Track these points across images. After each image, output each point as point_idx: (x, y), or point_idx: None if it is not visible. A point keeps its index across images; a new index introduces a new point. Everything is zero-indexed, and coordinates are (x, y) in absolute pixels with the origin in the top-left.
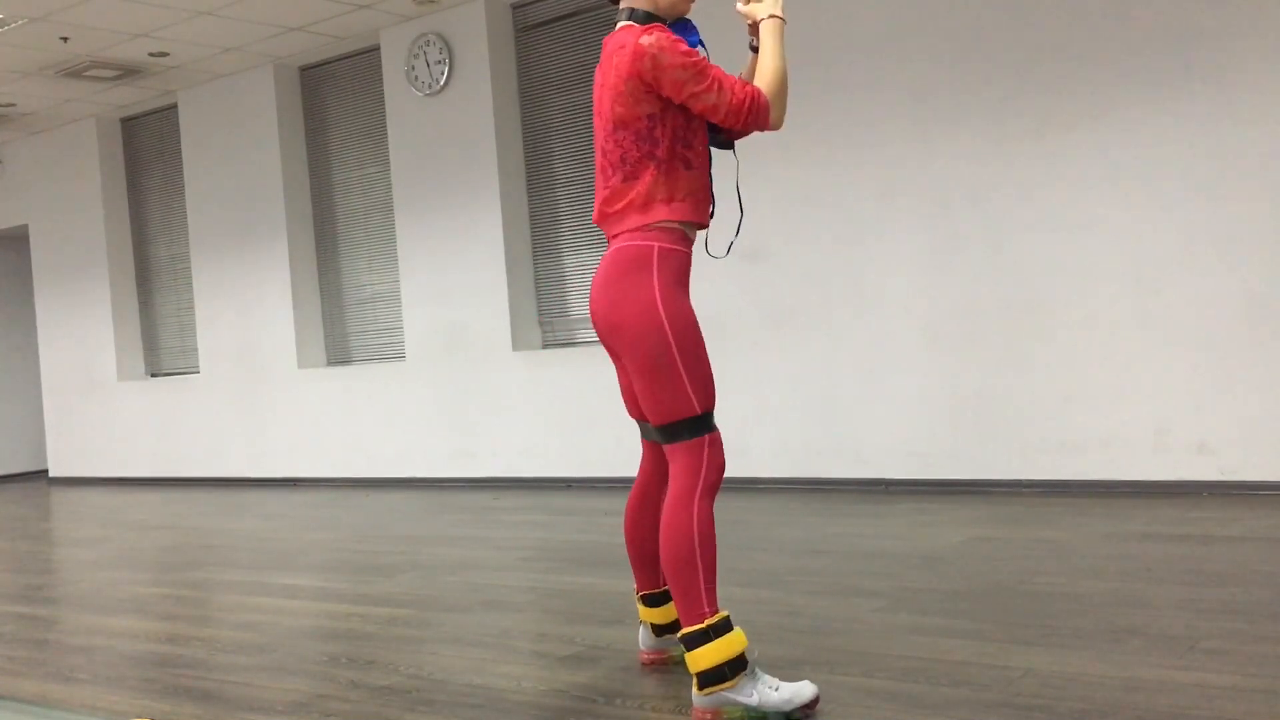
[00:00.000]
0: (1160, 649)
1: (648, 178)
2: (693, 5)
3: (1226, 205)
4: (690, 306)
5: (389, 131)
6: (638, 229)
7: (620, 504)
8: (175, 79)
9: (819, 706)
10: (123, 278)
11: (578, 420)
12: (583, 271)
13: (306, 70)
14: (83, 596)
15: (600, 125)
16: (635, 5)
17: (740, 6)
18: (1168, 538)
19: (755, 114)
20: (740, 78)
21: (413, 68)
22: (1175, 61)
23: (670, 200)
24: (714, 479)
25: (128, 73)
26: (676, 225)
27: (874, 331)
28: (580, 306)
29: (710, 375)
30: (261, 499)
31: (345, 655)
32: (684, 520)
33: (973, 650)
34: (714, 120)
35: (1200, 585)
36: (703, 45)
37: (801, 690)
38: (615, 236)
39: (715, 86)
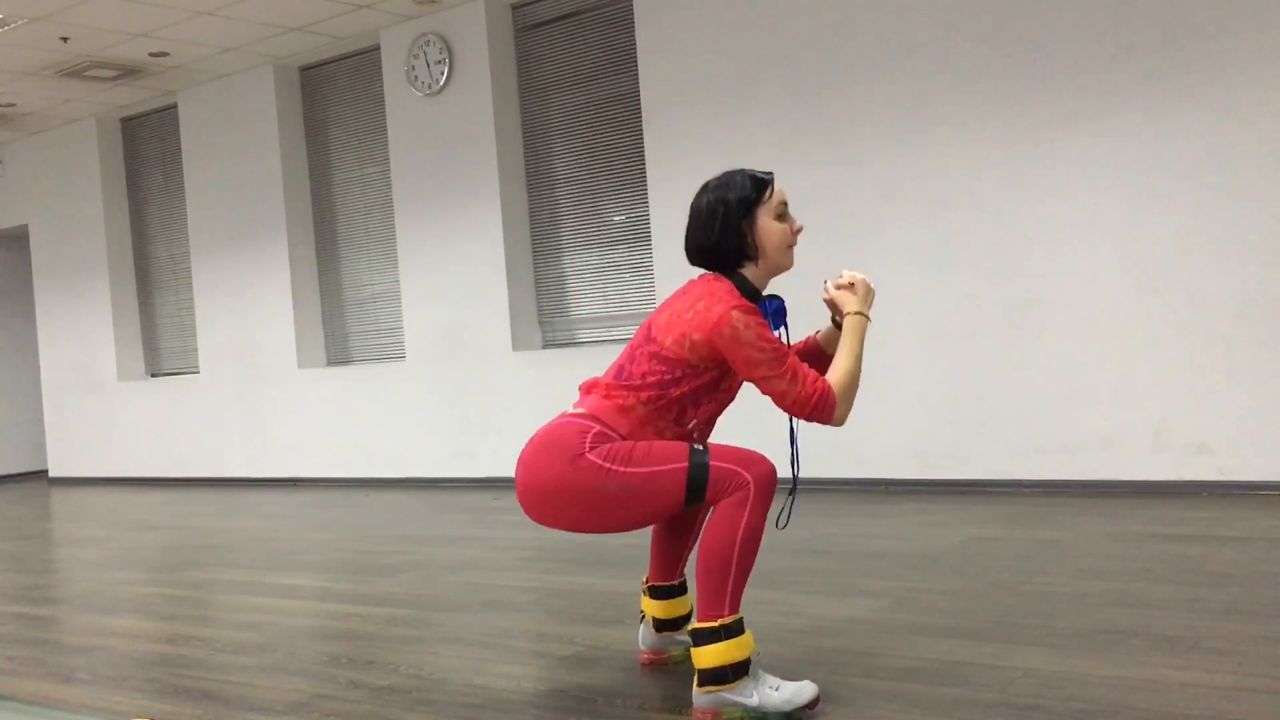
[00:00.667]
0: (1160, 649)
1: (646, 399)
2: (784, 271)
3: (1226, 205)
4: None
5: (389, 131)
6: (593, 413)
7: None
8: (175, 79)
9: (819, 706)
10: (123, 278)
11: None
12: (583, 271)
13: (306, 70)
14: (83, 596)
15: (646, 332)
16: (744, 274)
17: (831, 291)
18: (1168, 538)
19: (822, 409)
20: (806, 355)
21: (413, 68)
22: (1175, 61)
23: (643, 426)
24: (765, 484)
25: (128, 73)
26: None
27: (874, 331)
28: (580, 306)
29: (663, 445)
30: (261, 499)
31: (345, 655)
32: (732, 526)
33: (973, 650)
34: (779, 405)
35: (1200, 585)
36: (785, 326)
37: (802, 690)
38: (578, 402)
39: (789, 376)
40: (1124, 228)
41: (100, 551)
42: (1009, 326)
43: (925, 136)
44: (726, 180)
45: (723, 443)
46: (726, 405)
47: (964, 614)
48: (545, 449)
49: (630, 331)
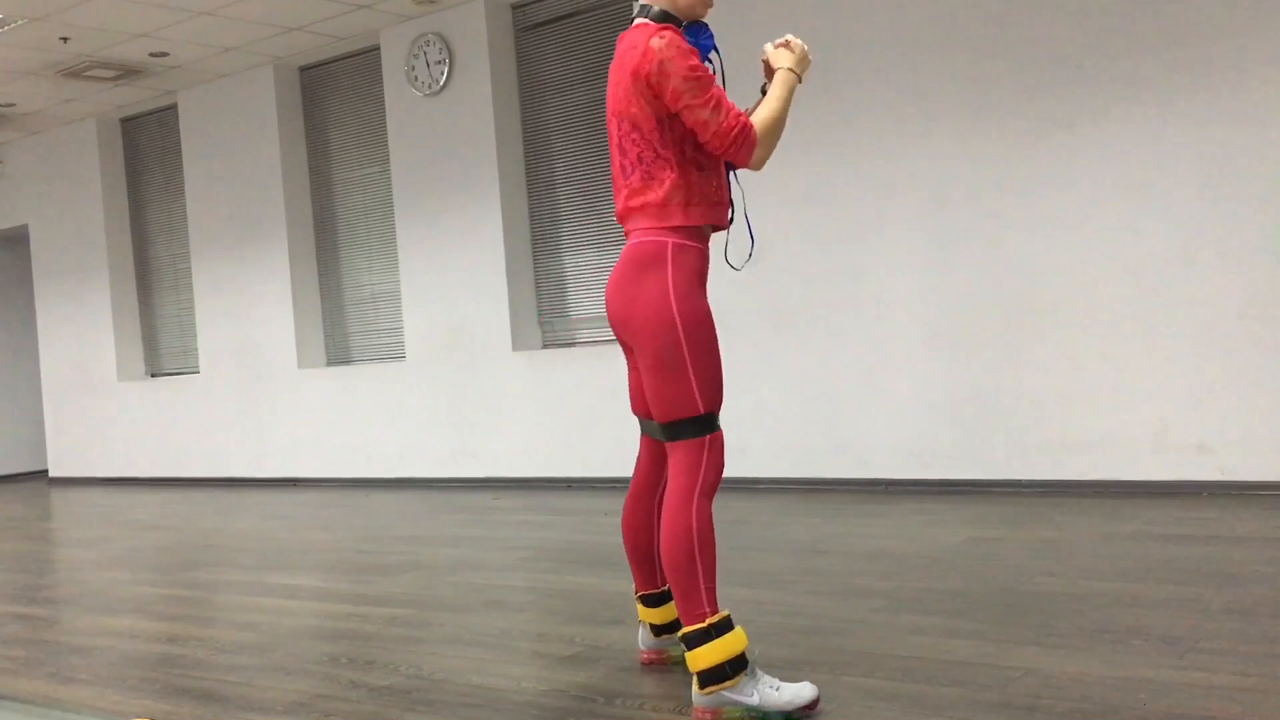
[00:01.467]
0: (1160, 649)
1: (666, 182)
2: (709, 9)
3: (1226, 205)
4: (706, 305)
5: (389, 131)
6: (653, 228)
7: (619, 504)
8: (175, 79)
9: (819, 707)
10: (123, 278)
11: (578, 420)
12: (583, 271)
13: (306, 70)
14: (83, 596)
15: (614, 123)
16: (653, 2)
17: (768, 49)
18: (1168, 538)
19: (741, 144)
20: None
21: (413, 68)
22: (1175, 61)
23: (687, 205)
24: (712, 479)
25: (128, 73)
26: (692, 228)
27: (874, 331)
28: (580, 306)
29: (719, 377)
30: (261, 499)
31: (345, 655)
32: (684, 521)
33: (973, 650)
34: (701, 138)
35: (1200, 585)
36: (716, 50)
37: (802, 691)
38: (631, 233)
39: (712, 104)
40: (1124, 228)
41: (100, 551)
42: (1009, 326)
43: (925, 136)
44: None
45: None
46: None
47: (964, 614)
48: (642, 273)
49: None
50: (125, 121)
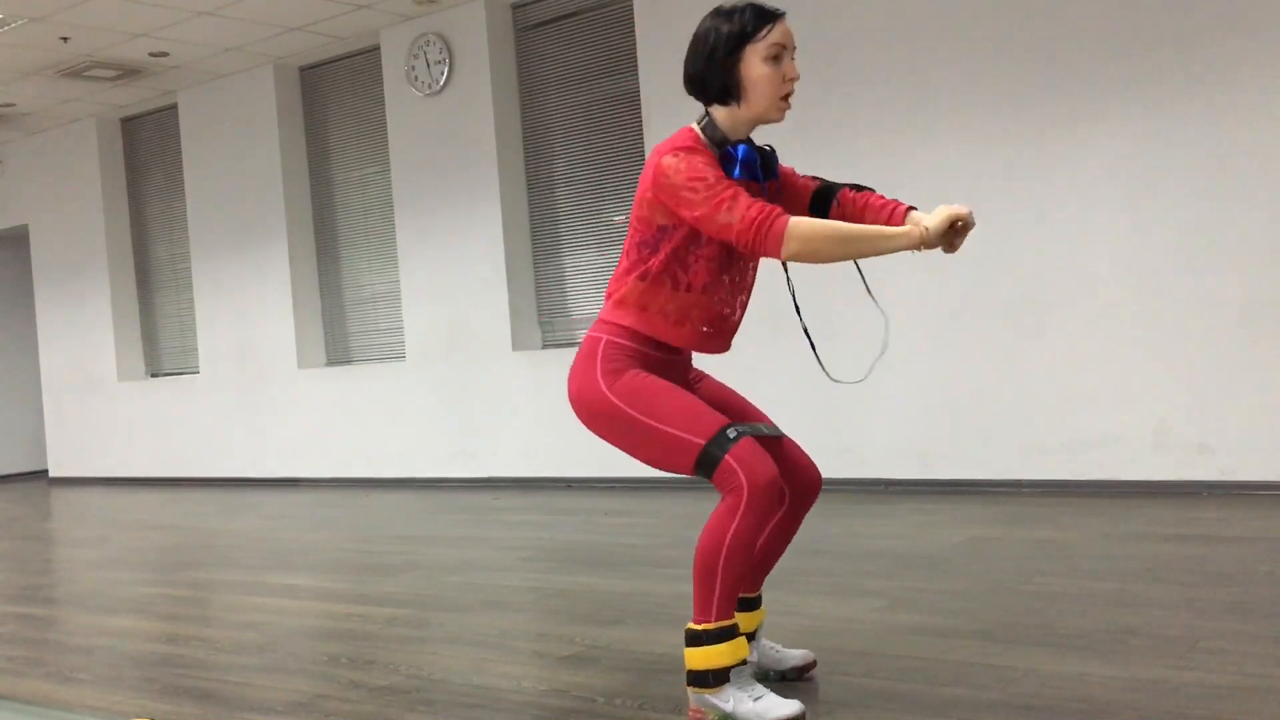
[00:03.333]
0: (1160, 649)
1: (633, 279)
2: (771, 122)
3: (1226, 205)
4: (636, 372)
5: (389, 131)
6: (600, 320)
7: (620, 504)
8: (175, 79)
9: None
10: (123, 278)
11: (578, 420)
12: (583, 271)
13: (306, 70)
14: (83, 596)
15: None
16: (715, 118)
17: (958, 211)
18: (1168, 538)
19: (765, 235)
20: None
21: (413, 68)
22: (1175, 61)
23: (643, 310)
24: (756, 492)
25: (128, 73)
26: (639, 333)
27: (874, 331)
28: (580, 306)
29: (693, 409)
30: (262, 499)
31: (345, 655)
32: (721, 533)
33: (973, 650)
34: (730, 241)
35: (1200, 585)
36: (754, 160)
37: (779, 707)
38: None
39: (725, 205)
40: (1124, 228)
41: (100, 551)
42: (1009, 326)
43: (925, 137)
44: (730, 8)
45: (755, 413)
46: (735, 257)
47: (964, 614)
48: (577, 365)
49: None
50: (125, 121)
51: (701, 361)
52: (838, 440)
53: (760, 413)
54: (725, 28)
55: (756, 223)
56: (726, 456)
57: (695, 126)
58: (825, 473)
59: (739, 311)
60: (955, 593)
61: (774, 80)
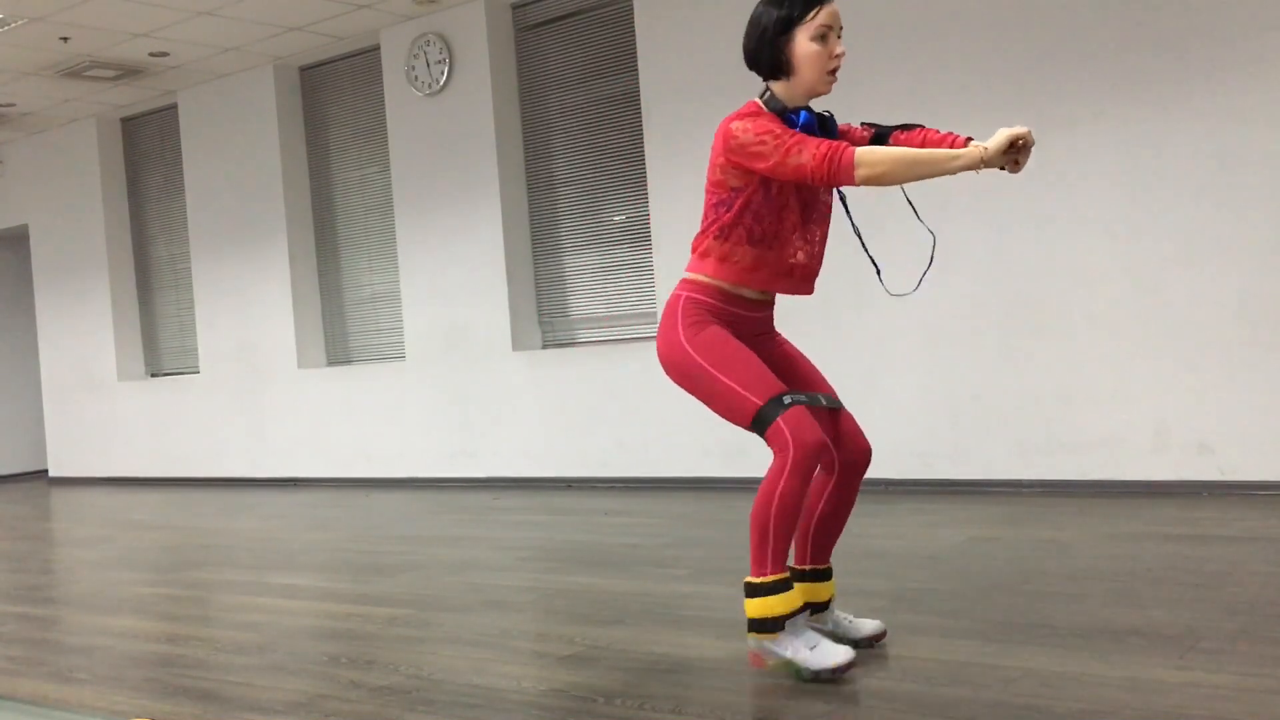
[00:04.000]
0: (1160, 649)
1: (712, 234)
2: (830, 87)
3: (1226, 205)
4: (716, 328)
5: (389, 131)
6: (685, 276)
7: (619, 504)
8: (175, 79)
9: (848, 673)
10: (123, 278)
11: (578, 420)
12: (583, 271)
13: (306, 70)
14: (83, 596)
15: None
16: (774, 91)
17: (1018, 131)
18: (1168, 538)
19: (835, 168)
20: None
21: (413, 68)
22: (1175, 61)
23: (722, 261)
24: (801, 454)
25: (128, 73)
26: (718, 284)
27: (874, 331)
28: (580, 306)
29: (758, 372)
30: (261, 499)
31: (345, 655)
32: (770, 491)
33: (973, 650)
34: (807, 181)
35: (1200, 585)
36: (814, 124)
37: (833, 654)
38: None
39: (796, 149)
40: (1124, 228)
41: (100, 551)
42: (1009, 326)
43: None
44: None
45: (814, 376)
46: (800, 209)
47: (964, 614)
48: (663, 323)
49: (630, 332)
50: (125, 121)
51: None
52: None
53: (826, 383)
54: (775, 12)
55: (828, 156)
56: (779, 419)
57: (758, 99)
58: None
59: (815, 261)
60: (955, 593)
61: (821, 57)
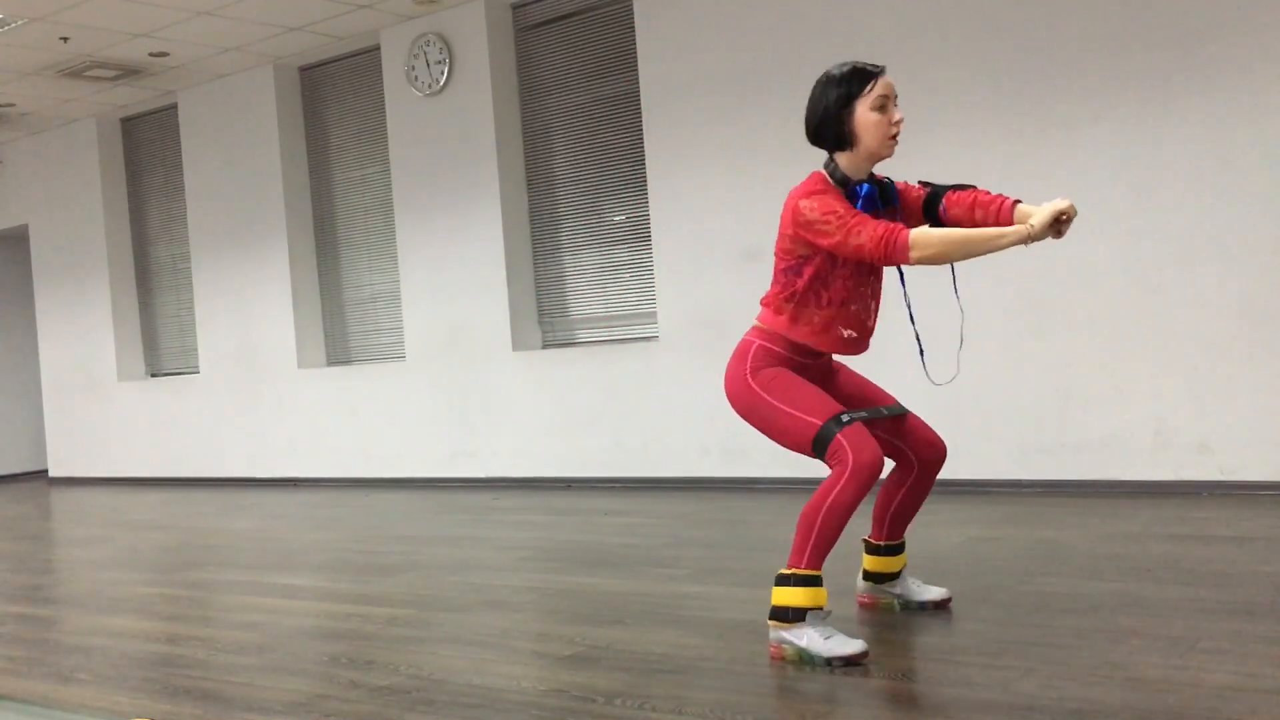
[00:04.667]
0: (1160, 649)
1: (784, 297)
2: (890, 153)
3: (1226, 205)
4: (780, 369)
5: (389, 131)
6: (758, 325)
7: (619, 504)
8: (175, 79)
9: (862, 663)
10: (123, 278)
11: (578, 420)
12: (583, 271)
13: (306, 70)
14: (83, 596)
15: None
16: (839, 163)
17: (1060, 206)
18: (1168, 538)
19: (890, 249)
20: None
21: (413, 68)
22: (1175, 61)
23: (794, 321)
24: (858, 468)
25: (128, 73)
26: (788, 338)
27: (874, 331)
28: (580, 306)
29: (816, 398)
30: (261, 499)
31: (345, 655)
32: (824, 496)
33: (973, 650)
34: (866, 260)
35: (1200, 585)
36: (875, 194)
37: (846, 644)
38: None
39: (856, 230)
40: (1124, 228)
41: (100, 551)
42: (1009, 326)
43: (925, 136)
44: (836, 71)
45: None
46: (865, 274)
47: (964, 614)
48: (731, 362)
49: (630, 332)
50: (125, 121)
51: None
52: None
53: (887, 395)
54: (835, 91)
55: (884, 240)
56: (838, 436)
57: (823, 170)
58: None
59: (873, 319)
60: (955, 593)
61: (882, 125)
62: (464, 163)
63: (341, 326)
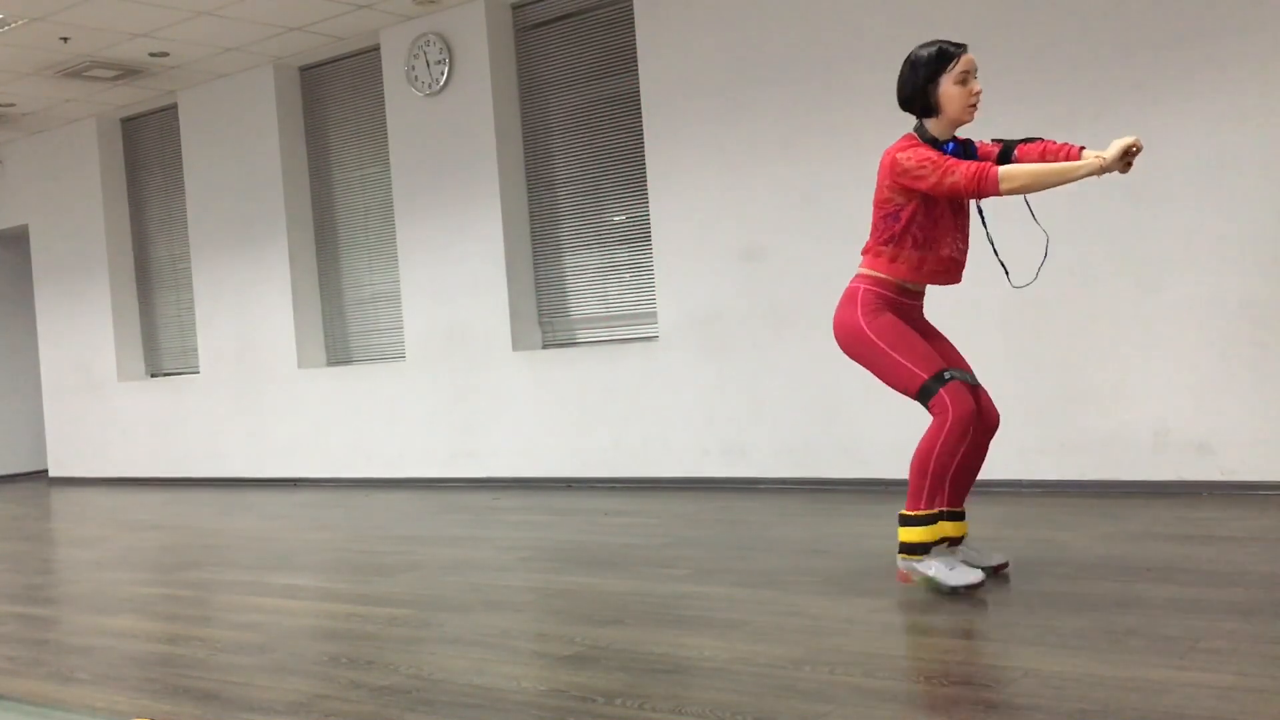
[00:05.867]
0: (1160, 649)
1: (882, 239)
2: (971, 118)
3: (1226, 205)
4: (891, 317)
5: (389, 131)
6: (859, 273)
7: (619, 504)
8: (175, 79)
9: (977, 593)
10: (123, 278)
11: (578, 420)
12: (583, 271)
13: (306, 70)
14: (83, 596)
15: (875, 185)
16: (926, 126)
17: (1129, 141)
18: (1168, 538)
19: (981, 183)
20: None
21: (413, 68)
22: (1175, 61)
23: (892, 261)
24: (957, 419)
25: (128, 73)
26: (889, 279)
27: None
28: (580, 306)
29: (923, 351)
30: (261, 499)
31: (345, 655)
32: (929, 443)
33: (973, 650)
34: (959, 196)
35: (1200, 585)
36: (960, 153)
37: (966, 574)
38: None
39: (949, 170)
40: (1124, 228)
41: (100, 551)
42: (1009, 326)
43: None
44: (924, 50)
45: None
46: (952, 217)
47: (964, 614)
48: (841, 308)
49: (630, 332)
50: (125, 121)
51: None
52: (838, 440)
53: (966, 362)
54: (922, 67)
55: (976, 175)
56: (941, 390)
57: (913, 132)
58: (825, 472)
59: (963, 257)
60: (955, 592)
61: (963, 95)
62: (464, 163)
63: (341, 326)
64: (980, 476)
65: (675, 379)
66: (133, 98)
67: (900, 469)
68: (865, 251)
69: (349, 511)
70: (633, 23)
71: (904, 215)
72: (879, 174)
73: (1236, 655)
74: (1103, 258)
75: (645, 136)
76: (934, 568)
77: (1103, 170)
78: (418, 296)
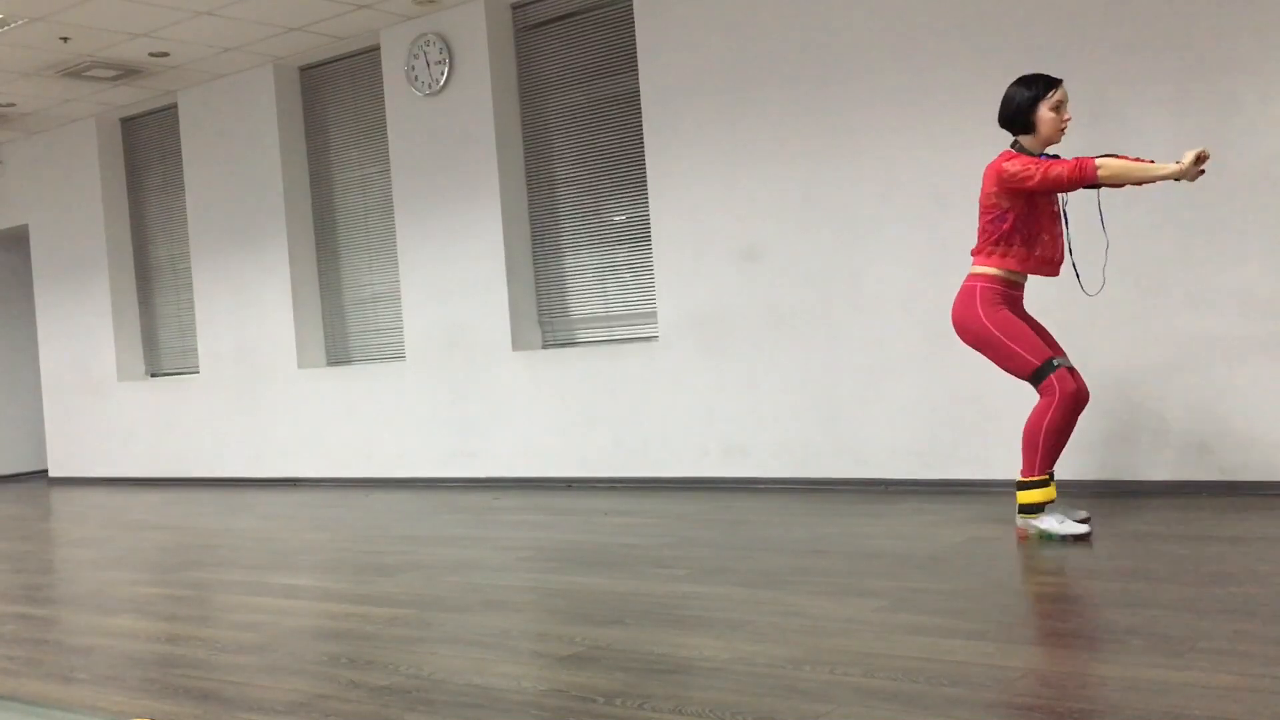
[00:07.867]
0: (1160, 649)
1: (992, 239)
2: (1062, 136)
3: (1226, 205)
4: (1006, 311)
5: (389, 131)
6: (973, 272)
7: (620, 504)
8: (175, 79)
9: (1086, 541)
10: (123, 278)
11: (578, 420)
12: (583, 271)
13: (306, 70)
14: (83, 596)
15: (981, 194)
16: (1022, 142)
17: (1199, 152)
18: (1168, 538)
19: (1083, 173)
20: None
21: (413, 68)
22: (1175, 61)
23: (1003, 257)
24: (1064, 397)
25: (128, 73)
26: (999, 273)
27: (874, 331)
28: (580, 306)
29: (1034, 341)
30: (261, 499)
31: (345, 655)
32: (1039, 419)
33: (973, 650)
34: (1064, 186)
35: (1200, 585)
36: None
37: (1074, 527)
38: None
39: (1049, 171)
40: (1124, 228)
41: (100, 551)
42: None
43: (925, 135)
44: (1026, 78)
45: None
46: (1054, 218)
47: (964, 614)
48: (960, 304)
49: (630, 332)
50: (125, 121)
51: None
52: (838, 440)
53: (1062, 348)
54: (1025, 92)
55: (1078, 165)
56: (1051, 375)
57: (1011, 147)
58: (825, 472)
59: (1060, 252)
60: (955, 593)
61: (1056, 121)
62: (464, 163)
63: (341, 326)
64: (981, 476)
65: (675, 379)
66: (133, 98)
67: (900, 469)
68: (976, 253)
69: (349, 511)
70: (633, 23)
71: (1010, 217)
72: (984, 184)
73: (1236, 655)
74: (1102, 258)
75: (645, 136)
76: (1047, 522)
77: (1180, 176)
78: (417, 296)
